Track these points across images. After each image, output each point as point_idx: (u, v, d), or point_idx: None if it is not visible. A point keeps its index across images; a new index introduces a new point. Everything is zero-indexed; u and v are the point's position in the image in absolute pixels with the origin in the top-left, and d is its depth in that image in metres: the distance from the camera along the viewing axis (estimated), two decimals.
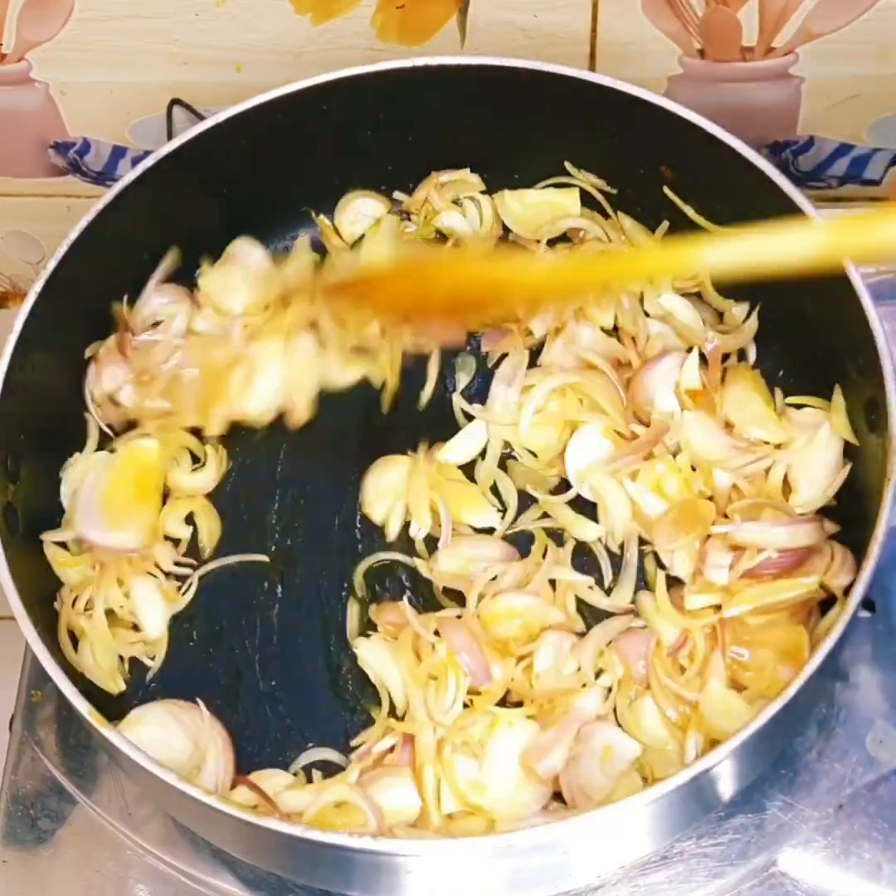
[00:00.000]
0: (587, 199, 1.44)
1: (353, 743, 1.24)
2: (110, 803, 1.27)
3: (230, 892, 1.24)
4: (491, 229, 1.45)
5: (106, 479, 1.30)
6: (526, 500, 1.34)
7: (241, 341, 1.35)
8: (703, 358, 1.35)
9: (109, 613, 1.28)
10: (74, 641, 1.26)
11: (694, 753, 1.18)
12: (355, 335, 1.26)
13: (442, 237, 1.45)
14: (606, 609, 1.28)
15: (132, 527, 1.29)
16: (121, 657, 1.28)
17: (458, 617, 1.26)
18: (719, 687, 1.19)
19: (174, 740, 1.21)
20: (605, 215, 1.43)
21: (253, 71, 1.50)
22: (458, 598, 1.28)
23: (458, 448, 1.36)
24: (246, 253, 1.42)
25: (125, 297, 1.37)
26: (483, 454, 1.36)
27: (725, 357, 1.37)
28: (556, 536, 1.32)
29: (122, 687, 1.27)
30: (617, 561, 1.31)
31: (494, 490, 1.35)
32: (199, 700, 1.23)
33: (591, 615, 1.28)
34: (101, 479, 1.30)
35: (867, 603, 1.28)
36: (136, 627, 1.29)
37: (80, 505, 1.29)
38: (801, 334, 1.32)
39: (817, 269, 0.90)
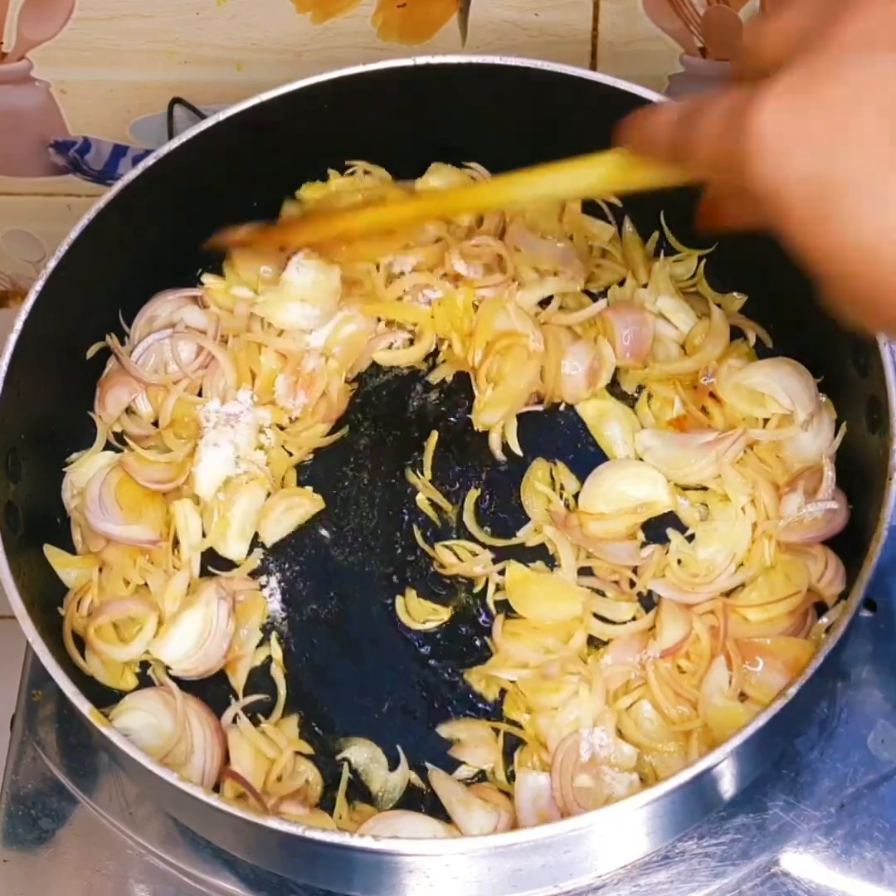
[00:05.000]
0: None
1: None
2: (111, 803, 1.27)
3: (231, 891, 1.24)
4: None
5: (117, 476, 1.30)
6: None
7: (257, 332, 1.37)
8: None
9: None
10: (80, 645, 1.26)
11: (695, 753, 1.18)
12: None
13: None
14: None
15: (147, 520, 1.30)
16: None
17: None
18: (720, 694, 1.19)
19: (164, 725, 1.21)
20: (607, 221, 1.43)
21: (253, 70, 1.50)
22: None
23: None
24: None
25: (119, 313, 1.38)
26: None
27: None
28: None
29: (135, 683, 1.27)
30: None
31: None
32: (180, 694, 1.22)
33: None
34: (112, 475, 1.31)
35: (868, 602, 1.28)
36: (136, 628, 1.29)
37: (91, 501, 1.29)
38: (802, 333, 1.32)
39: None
